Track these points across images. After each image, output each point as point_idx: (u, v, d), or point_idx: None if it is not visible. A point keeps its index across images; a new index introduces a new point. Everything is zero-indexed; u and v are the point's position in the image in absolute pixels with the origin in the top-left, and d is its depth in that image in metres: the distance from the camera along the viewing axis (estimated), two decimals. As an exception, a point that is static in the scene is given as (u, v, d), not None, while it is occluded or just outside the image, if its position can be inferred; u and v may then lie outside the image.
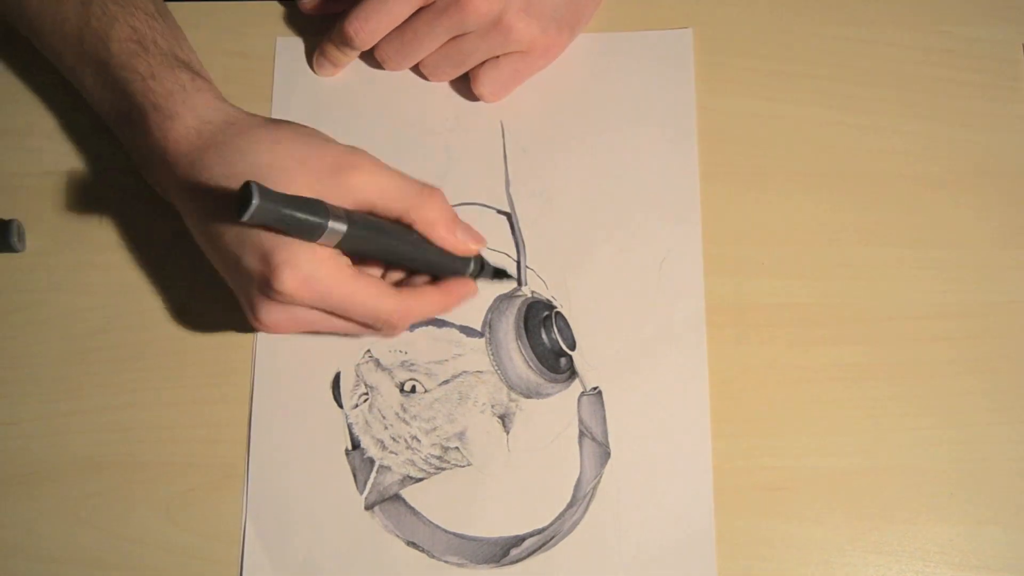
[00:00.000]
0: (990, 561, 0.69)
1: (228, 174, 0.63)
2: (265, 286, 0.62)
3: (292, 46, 0.78)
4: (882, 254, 0.74)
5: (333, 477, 0.71)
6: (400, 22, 0.73)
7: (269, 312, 0.63)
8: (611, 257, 0.74)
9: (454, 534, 0.70)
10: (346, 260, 0.63)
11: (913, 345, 0.72)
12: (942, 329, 0.72)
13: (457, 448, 0.71)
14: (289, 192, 0.59)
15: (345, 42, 0.74)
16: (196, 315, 0.74)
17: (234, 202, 0.55)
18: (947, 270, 0.73)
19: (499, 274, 0.73)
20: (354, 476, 0.71)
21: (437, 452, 0.71)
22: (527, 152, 0.76)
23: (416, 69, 0.78)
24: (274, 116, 0.77)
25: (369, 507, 0.70)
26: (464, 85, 0.77)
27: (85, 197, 0.76)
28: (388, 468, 0.71)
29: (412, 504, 0.70)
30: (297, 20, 0.79)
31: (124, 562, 0.70)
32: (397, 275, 0.70)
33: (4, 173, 0.77)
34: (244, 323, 0.73)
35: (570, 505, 0.70)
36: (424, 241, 0.66)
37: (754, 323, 0.73)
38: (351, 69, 0.78)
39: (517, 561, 0.69)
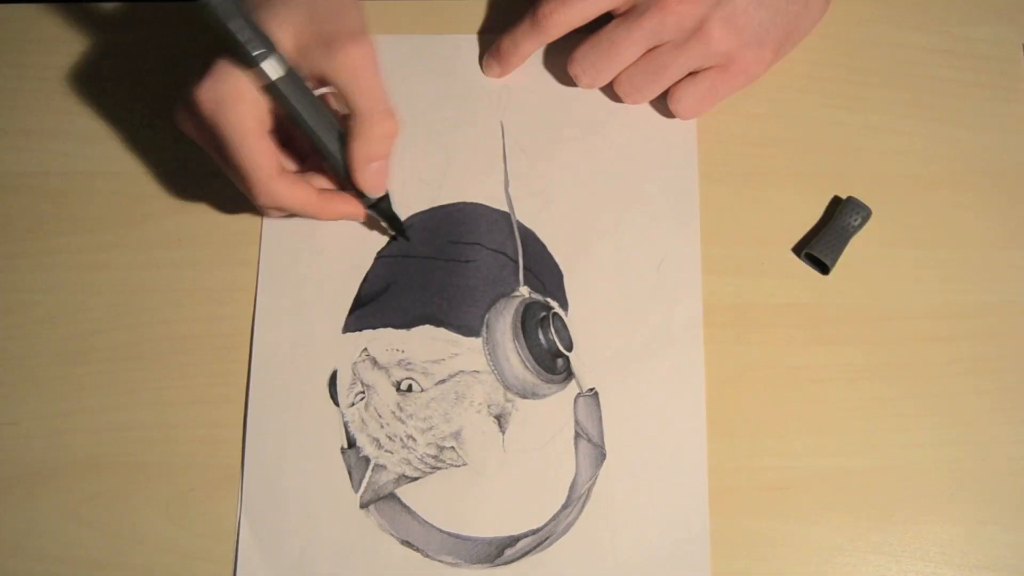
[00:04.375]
0: (990, 561, 0.68)
1: None
2: (193, 85, 0.65)
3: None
4: (881, 254, 0.73)
5: (328, 475, 0.71)
6: (595, 16, 0.72)
7: (182, 110, 0.67)
8: (609, 258, 0.74)
9: (449, 533, 0.70)
10: (266, 117, 0.66)
11: (913, 345, 0.72)
12: (942, 329, 0.72)
13: (453, 448, 0.71)
14: (273, 26, 0.65)
15: (533, 27, 0.73)
16: (196, 315, 0.74)
17: None
18: (947, 270, 0.73)
19: (392, 222, 0.73)
20: (349, 475, 0.71)
21: (433, 451, 0.71)
22: (526, 152, 0.76)
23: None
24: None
25: (364, 506, 0.70)
26: (463, 87, 0.77)
27: (85, 197, 0.76)
28: (383, 467, 0.71)
29: (407, 503, 0.70)
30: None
31: (124, 562, 0.70)
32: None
33: (4, 173, 0.77)
34: (243, 322, 0.73)
35: (565, 506, 0.70)
36: (341, 143, 0.68)
37: (752, 323, 0.73)
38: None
39: (511, 561, 0.69)
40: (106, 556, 0.70)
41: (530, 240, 0.74)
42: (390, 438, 0.71)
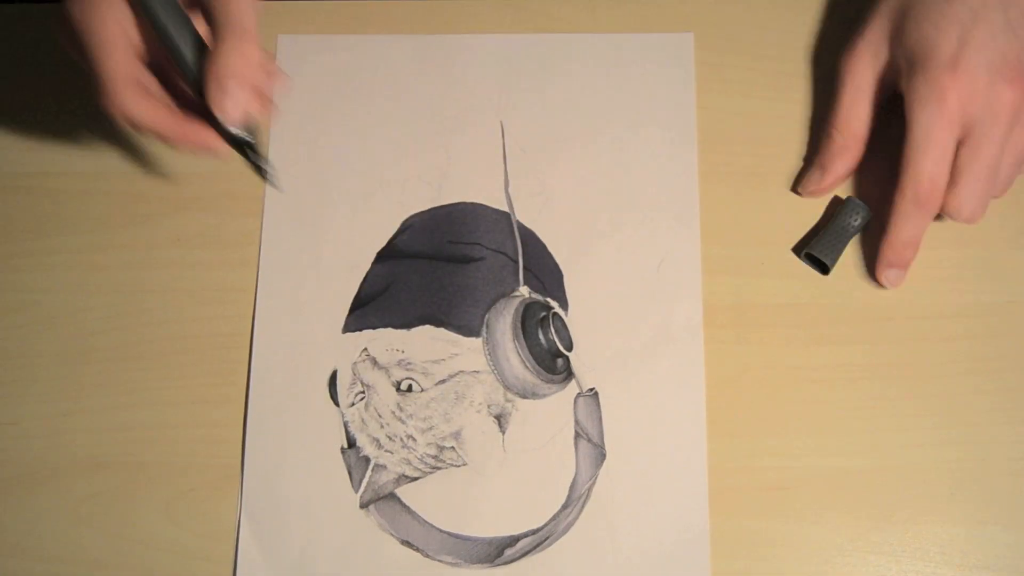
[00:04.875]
0: (990, 561, 0.68)
1: None
2: None
3: (293, 45, 0.79)
4: (881, 254, 0.74)
5: (328, 475, 0.71)
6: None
7: (57, 19, 0.65)
8: (609, 258, 0.74)
9: (449, 533, 0.70)
10: (134, 34, 0.64)
11: (912, 345, 0.72)
12: (942, 329, 0.72)
13: (453, 448, 0.71)
14: None
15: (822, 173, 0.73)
16: (196, 315, 0.74)
17: None
18: (947, 270, 0.73)
19: (257, 169, 0.67)
20: (349, 474, 0.71)
21: (433, 451, 0.71)
22: (526, 152, 0.76)
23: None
24: (274, 115, 0.76)
25: (364, 506, 0.70)
26: (463, 87, 0.77)
27: (85, 197, 0.76)
28: (383, 467, 0.71)
29: (407, 503, 0.70)
30: (297, 19, 0.79)
31: (124, 562, 0.70)
32: None
33: (4, 173, 0.77)
34: (243, 322, 0.73)
35: (565, 506, 0.70)
36: (201, 62, 0.64)
37: (752, 323, 0.72)
38: (353, 67, 0.78)
39: (511, 561, 0.69)
40: (106, 556, 0.71)
41: (530, 240, 0.74)
42: (390, 438, 0.71)
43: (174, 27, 0.64)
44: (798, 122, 0.76)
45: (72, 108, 0.78)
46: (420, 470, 0.71)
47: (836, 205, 0.74)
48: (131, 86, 0.64)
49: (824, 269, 0.73)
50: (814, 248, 0.72)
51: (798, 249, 0.74)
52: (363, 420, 0.72)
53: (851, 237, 0.72)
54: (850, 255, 0.73)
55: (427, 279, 0.74)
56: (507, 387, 0.72)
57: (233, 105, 0.63)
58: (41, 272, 0.75)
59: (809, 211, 0.74)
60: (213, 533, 0.71)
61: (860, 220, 0.72)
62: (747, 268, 0.74)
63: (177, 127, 0.65)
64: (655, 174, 0.75)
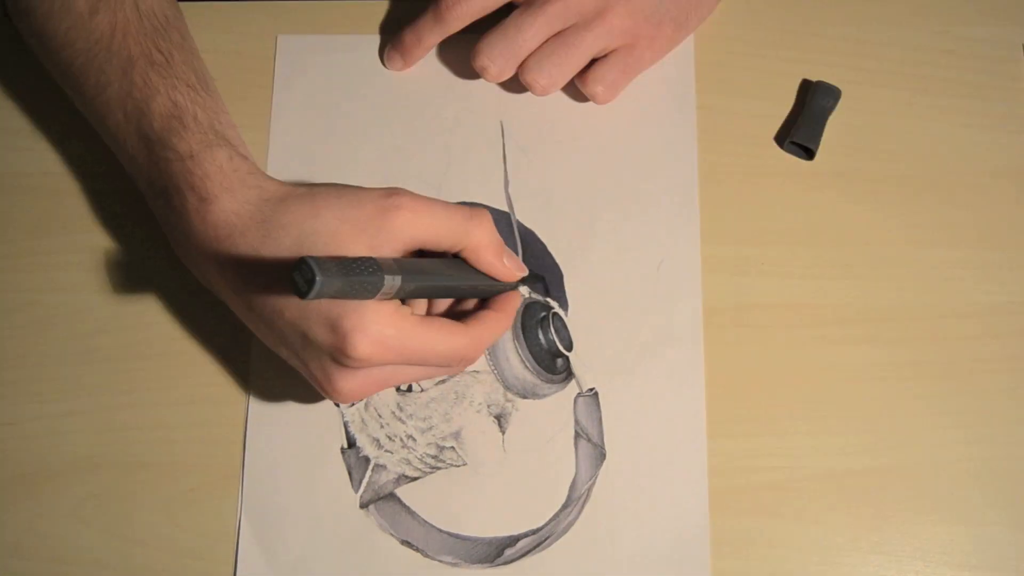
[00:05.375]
0: (990, 561, 0.68)
1: (276, 251, 0.61)
2: (339, 355, 0.60)
3: (292, 45, 0.79)
4: (880, 254, 0.73)
5: (328, 475, 0.71)
6: (497, 7, 0.73)
7: (346, 380, 0.62)
8: (609, 258, 0.74)
9: (448, 533, 0.70)
10: (408, 309, 0.61)
11: (912, 345, 0.72)
12: (941, 329, 0.72)
13: (453, 448, 0.71)
14: (340, 254, 0.59)
15: (436, 20, 0.74)
16: (196, 315, 0.74)
17: (291, 281, 0.53)
18: (945, 270, 0.73)
19: (533, 277, 0.74)
20: (349, 474, 0.71)
21: (433, 451, 0.71)
22: (526, 152, 0.76)
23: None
24: (274, 116, 0.77)
25: (364, 506, 0.70)
26: (463, 87, 0.77)
27: (85, 197, 0.76)
28: (383, 467, 0.71)
29: (407, 503, 0.70)
30: (297, 19, 0.79)
31: (124, 562, 0.70)
32: (443, 304, 0.68)
33: (4, 173, 0.77)
34: (243, 323, 0.73)
35: (565, 506, 0.70)
36: (472, 270, 0.65)
37: (752, 323, 0.72)
38: (352, 68, 0.78)
39: (511, 561, 0.69)
40: (106, 556, 0.70)
41: (530, 240, 0.74)
42: (390, 438, 0.71)
43: (438, 281, 0.63)
44: (798, 122, 0.76)
45: (72, 108, 0.78)
46: (420, 470, 0.71)
47: (806, 92, 0.76)
48: (471, 336, 0.64)
49: (809, 155, 0.74)
50: (797, 136, 0.74)
51: (780, 139, 0.75)
52: (363, 420, 0.72)
53: (827, 118, 0.75)
54: (849, 255, 0.73)
55: (427, 279, 0.73)
56: (507, 387, 0.72)
57: (517, 266, 0.67)
58: (41, 272, 0.75)
59: (809, 211, 0.74)
60: (213, 533, 0.71)
61: (833, 102, 0.74)
62: (747, 268, 0.74)
63: (507, 316, 0.67)
64: (655, 174, 0.75)
